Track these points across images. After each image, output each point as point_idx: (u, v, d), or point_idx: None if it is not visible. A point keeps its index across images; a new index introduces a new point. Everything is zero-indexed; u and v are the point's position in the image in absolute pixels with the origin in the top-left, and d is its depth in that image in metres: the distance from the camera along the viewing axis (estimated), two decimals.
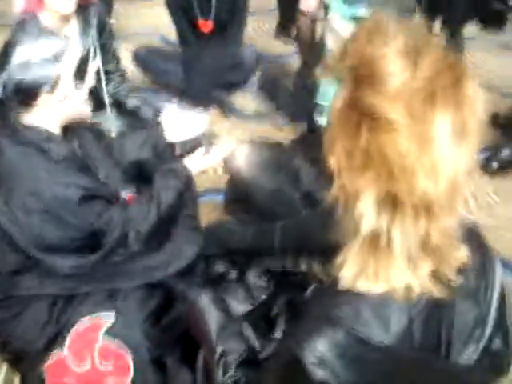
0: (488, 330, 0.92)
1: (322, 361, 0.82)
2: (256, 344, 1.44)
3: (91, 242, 1.49)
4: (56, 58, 1.42)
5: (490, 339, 0.92)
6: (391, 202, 0.77)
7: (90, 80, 1.58)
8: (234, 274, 1.67)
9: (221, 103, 2.96)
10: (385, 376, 0.86)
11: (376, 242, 0.81)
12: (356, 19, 2.02)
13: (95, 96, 2.20)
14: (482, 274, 0.93)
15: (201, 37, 2.88)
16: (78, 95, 1.52)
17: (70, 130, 1.58)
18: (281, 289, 1.59)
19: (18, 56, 1.40)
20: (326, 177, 0.85)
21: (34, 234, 1.45)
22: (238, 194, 1.95)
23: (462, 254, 0.88)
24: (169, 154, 1.76)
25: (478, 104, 0.77)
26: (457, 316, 0.89)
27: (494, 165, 2.48)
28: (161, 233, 1.59)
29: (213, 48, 2.88)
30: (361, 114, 0.76)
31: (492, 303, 0.93)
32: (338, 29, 2.07)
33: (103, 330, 1.42)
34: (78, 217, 1.45)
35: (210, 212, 2.18)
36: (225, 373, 1.16)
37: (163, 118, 1.75)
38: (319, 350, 0.83)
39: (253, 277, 1.63)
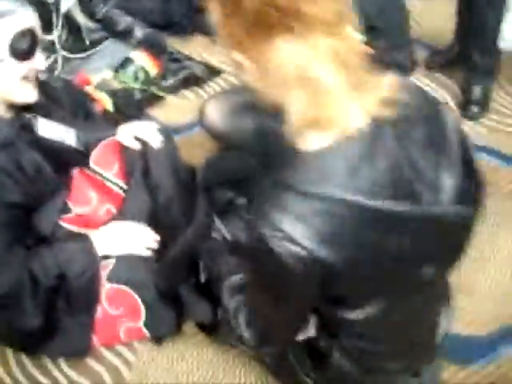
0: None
1: (285, 234, 0.75)
2: (227, 234, 1.42)
3: None
4: None
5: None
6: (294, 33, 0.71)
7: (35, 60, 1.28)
8: (241, 200, 1.58)
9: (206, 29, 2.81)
10: (354, 231, 0.77)
11: (307, 85, 0.74)
12: None
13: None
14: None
15: None
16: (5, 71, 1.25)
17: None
18: None
19: None
20: None
21: None
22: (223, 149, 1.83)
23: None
24: None
25: None
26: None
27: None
28: None
29: None
30: None
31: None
32: None
33: (105, 275, 1.36)
34: None
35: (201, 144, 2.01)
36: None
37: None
38: (278, 221, 0.76)
39: None
